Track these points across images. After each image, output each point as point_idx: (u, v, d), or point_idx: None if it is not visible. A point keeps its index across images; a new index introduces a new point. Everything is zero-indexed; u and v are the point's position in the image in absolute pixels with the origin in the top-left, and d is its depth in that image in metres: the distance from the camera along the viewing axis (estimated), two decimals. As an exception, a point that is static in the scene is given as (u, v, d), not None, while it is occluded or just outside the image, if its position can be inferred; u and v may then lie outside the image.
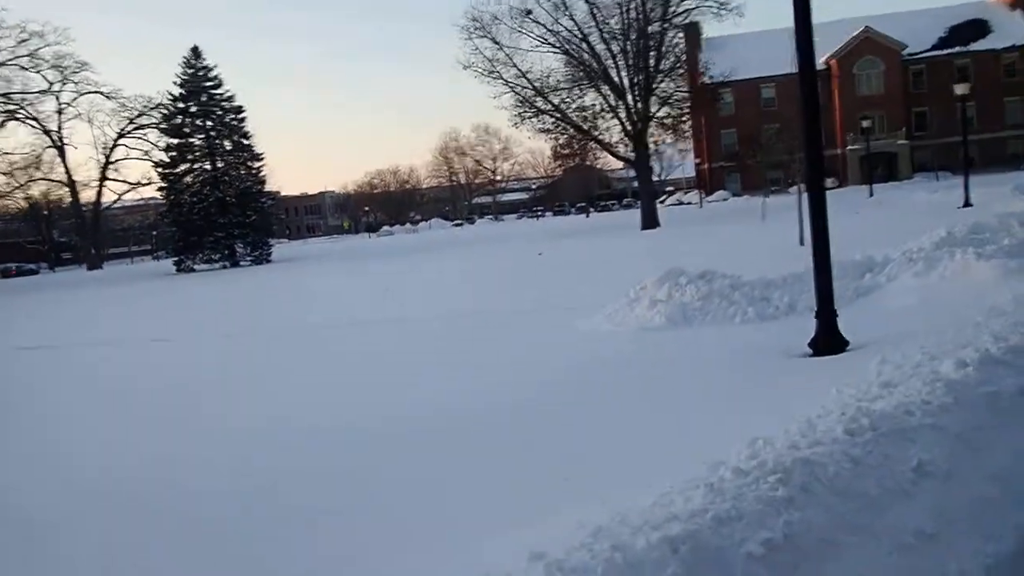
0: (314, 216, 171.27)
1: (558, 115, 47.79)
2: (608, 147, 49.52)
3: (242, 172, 58.91)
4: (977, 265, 8.64)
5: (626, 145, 49.18)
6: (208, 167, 58.01)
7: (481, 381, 8.20)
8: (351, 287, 25.12)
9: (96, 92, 74.76)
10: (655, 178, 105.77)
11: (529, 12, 47.47)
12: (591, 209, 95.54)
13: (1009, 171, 65.94)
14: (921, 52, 78.73)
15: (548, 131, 48.71)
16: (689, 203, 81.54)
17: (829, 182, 76.03)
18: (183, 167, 57.89)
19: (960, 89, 28.45)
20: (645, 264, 19.49)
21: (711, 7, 48.75)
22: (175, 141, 57.70)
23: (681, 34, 49.12)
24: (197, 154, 57.86)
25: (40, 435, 8.23)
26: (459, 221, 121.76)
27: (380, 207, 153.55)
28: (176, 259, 56.58)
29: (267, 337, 14.69)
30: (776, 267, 12.91)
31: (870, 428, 4.16)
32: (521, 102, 47.13)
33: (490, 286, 19.83)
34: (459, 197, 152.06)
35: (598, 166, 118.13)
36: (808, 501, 3.49)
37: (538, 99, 47.56)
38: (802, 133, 7.04)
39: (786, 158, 79.11)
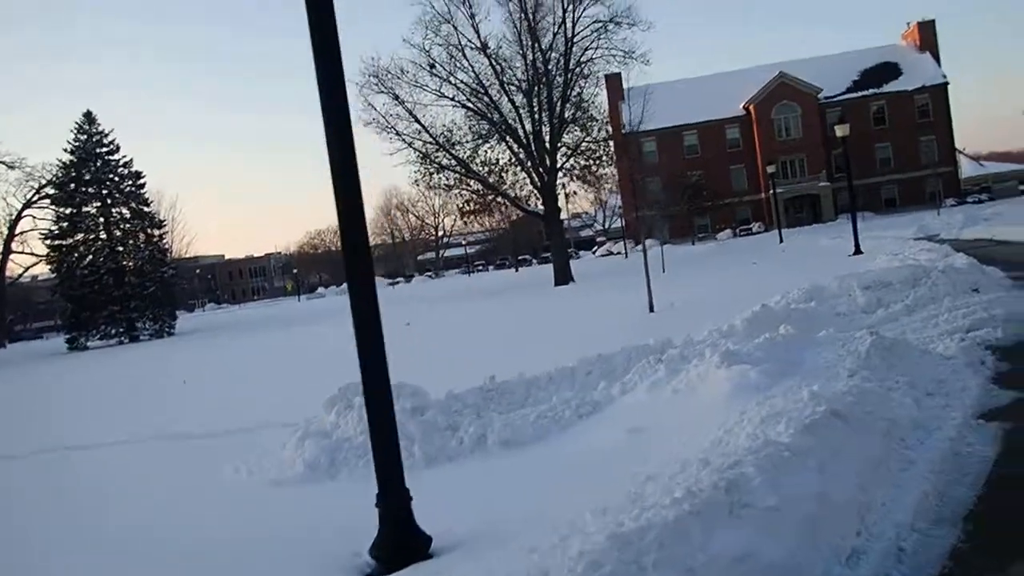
0: (259, 279, 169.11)
1: (462, 170, 46.11)
2: (516, 202, 47.89)
3: (140, 242, 56.12)
4: (716, 375, 6.70)
5: (536, 198, 47.68)
6: (104, 237, 55.14)
7: None
8: (189, 371, 22.70)
9: (-3, 162, 71.45)
10: (600, 227, 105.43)
11: (432, 66, 46.08)
12: (518, 265, 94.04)
13: (928, 209, 66.00)
14: (836, 95, 79.21)
15: (451, 187, 47.00)
16: (618, 253, 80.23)
17: (754, 227, 75.67)
18: (76, 237, 54.88)
19: (840, 131, 27.24)
20: (484, 340, 17.50)
21: (616, 55, 47.79)
22: (66, 211, 54.80)
23: (587, 83, 47.76)
24: (90, 224, 54.95)
25: None
26: (393, 280, 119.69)
27: (323, 268, 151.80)
28: (68, 336, 53.37)
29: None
30: (594, 344, 11.03)
31: None
32: (422, 158, 45.35)
33: (249, 379, 17.32)
34: (403, 254, 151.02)
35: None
36: None
37: (440, 154, 45.87)
38: (336, 205, 4.91)
39: (709, 204, 79.64)
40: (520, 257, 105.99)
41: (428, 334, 21.28)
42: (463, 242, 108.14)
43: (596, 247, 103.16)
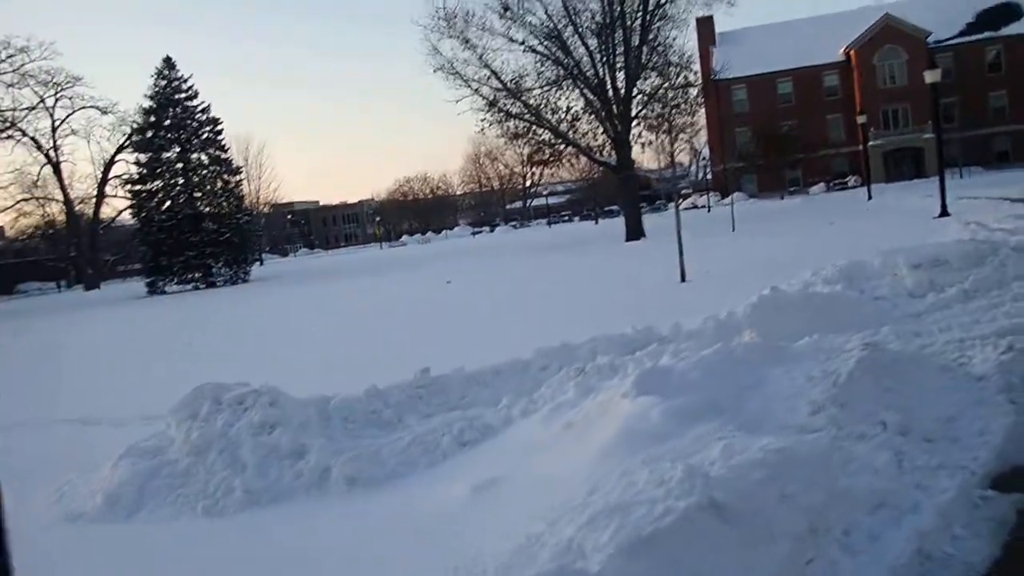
0: (352, 225, 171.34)
1: (531, 118, 44.12)
2: (588, 152, 45.68)
3: (217, 188, 56.37)
4: (618, 407, 4.97)
5: (610, 149, 45.46)
6: (181, 183, 55.56)
7: None
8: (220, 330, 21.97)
9: (91, 107, 73.28)
10: (693, 179, 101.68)
11: (507, 9, 44.02)
12: (598, 217, 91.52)
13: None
14: (948, 39, 73.19)
15: (519, 136, 45.09)
16: (702, 207, 76.89)
17: (850, 180, 71.27)
18: (156, 183, 55.46)
19: (930, 77, 24.08)
20: (506, 305, 16.02)
21: (699, -3, 44.56)
22: (144, 156, 55.38)
23: (667, 26, 44.78)
24: (169, 169, 55.40)
25: None
26: (478, 230, 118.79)
27: (414, 215, 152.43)
28: (148, 280, 54.23)
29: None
30: (596, 321, 9.52)
31: None
32: (489, 105, 43.53)
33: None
34: (492, 203, 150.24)
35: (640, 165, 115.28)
36: None
37: (509, 101, 43.97)
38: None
39: (801, 157, 75.42)
40: (607, 208, 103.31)
41: (456, 296, 19.90)
42: (544, 192, 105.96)
43: (680, 199, 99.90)
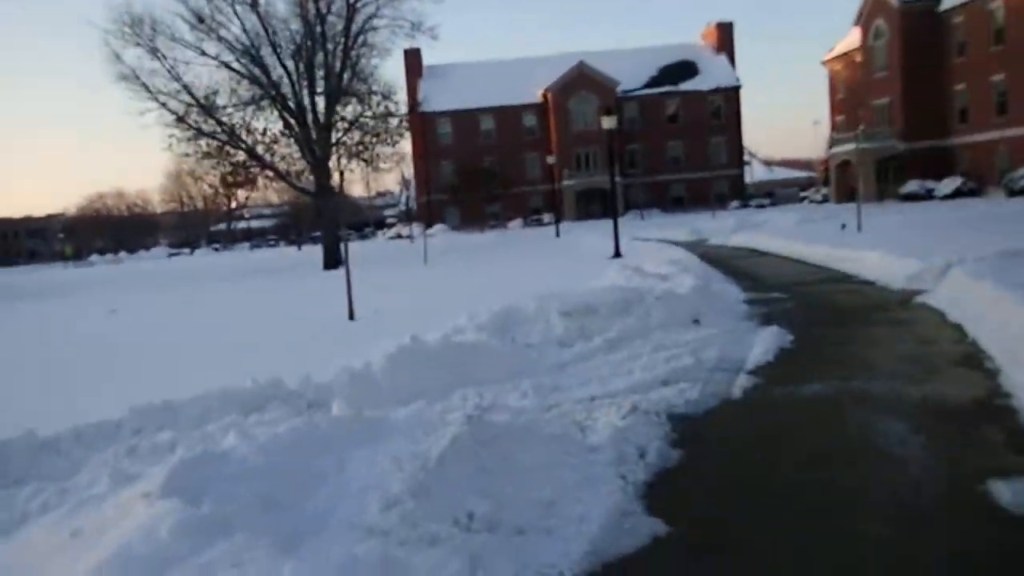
0: (37, 241, 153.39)
1: (225, 138, 41.41)
2: (285, 176, 43.74)
3: None
4: (113, 533, 3.82)
5: (308, 175, 43.84)
6: None
7: None
8: None
9: None
10: (402, 208, 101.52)
11: (201, 20, 41.02)
12: (300, 243, 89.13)
13: (717, 209, 67.54)
14: (634, 89, 79.72)
15: (211, 156, 42.19)
16: (407, 237, 77.18)
17: (545, 217, 74.91)
18: None
19: (607, 123, 25.45)
20: (157, 344, 14.06)
21: (402, 26, 44.26)
22: None
23: (369, 53, 44.14)
24: None
25: None
26: (175, 252, 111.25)
27: (108, 233, 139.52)
28: None
29: None
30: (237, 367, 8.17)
31: None
32: (178, 120, 40.26)
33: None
34: (196, 224, 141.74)
35: (351, 193, 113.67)
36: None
37: (202, 118, 40.95)
38: None
39: (500, 192, 78.26)
40: (314, 234, 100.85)
41: (120, 330, 17.47)
42: (247, 216, 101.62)
43: (387, 228, 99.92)
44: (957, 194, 48.44)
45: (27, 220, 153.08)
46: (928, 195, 49.69)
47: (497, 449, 4.73)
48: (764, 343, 9.59)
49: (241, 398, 7.28)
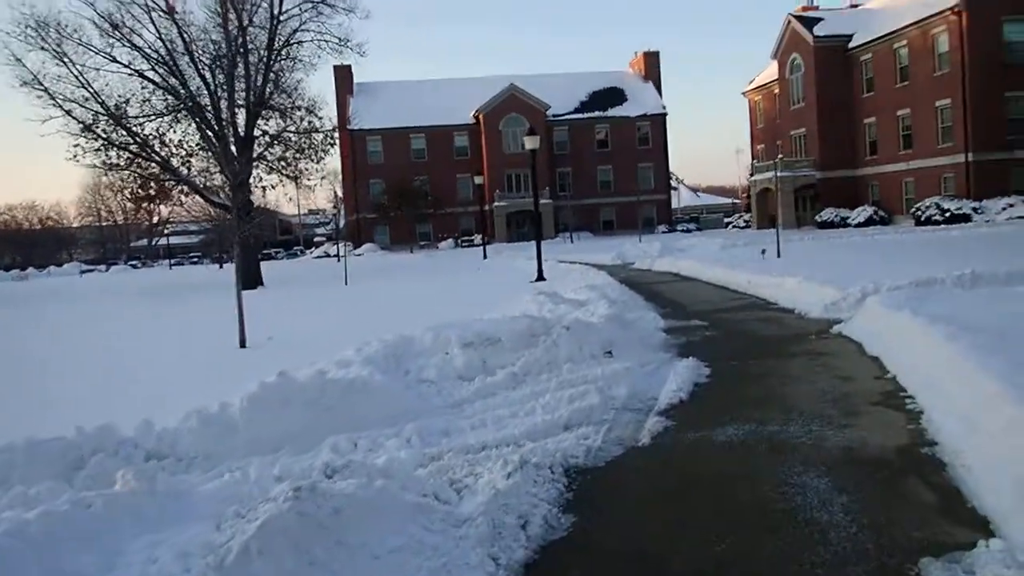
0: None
1: (136, 149, 39.57)
2: (200, 190, 41.95)
3: None
4: None
5: (228, 190, 42.15)
6: None
7: None
8: None
9: None
10: (334, 226, 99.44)
11: (116, 27, 39.20)
12: (222, 262, 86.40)
13: (644, 232, 67.72)
14: (564, 114, 79.78)
15: (119, 167, 40.24)
16: (334, 255, 75.54)
17: (476, 238, 74.14)
18: None
19: (530, 143, 24.83)
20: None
21: (329, 41, 43.14)
22: None
23: (293, 67, 42.89)
24: None
25: None
26: (89, 268, 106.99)
27: (16, 248, 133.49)
28: None
29: None
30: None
31: None
32: (85, 129, 38.29)
33: None
34: (117, 239, 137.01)
35: (282, 209, 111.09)
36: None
37: (111, 128, 39.04)
38: None
39: (431, 212, 77.23)
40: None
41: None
42: (165, 232, 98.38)
43: (314, 248, 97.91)
44: (870, 222, 49.34)
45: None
46: (843, 223, 50.52)
47: (334, 530, 3.82)
48: (679, 378, 8.91)
49: (58, 448, 6.15)
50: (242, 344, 13.23)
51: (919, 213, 45.16)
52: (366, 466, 4.94)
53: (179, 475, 5.97)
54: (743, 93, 70.17)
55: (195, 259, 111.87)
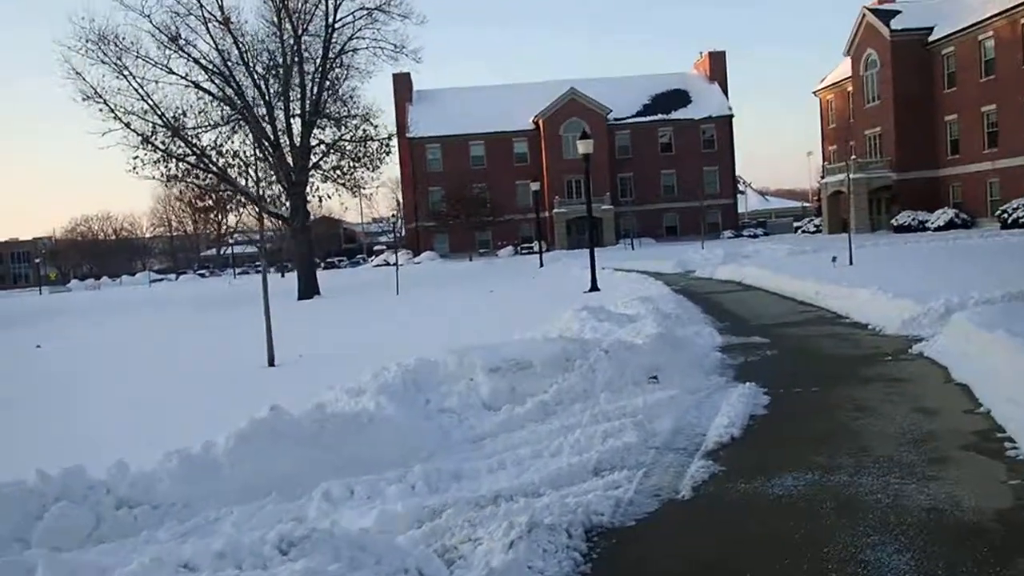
0: (23, 265, 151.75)
1: (194, 160, 39.74)
2: (257, 200, 41.86)
3: None
4: None
5: (284, 200, 42.11)
6: None
7: None
8: None
9: None
10: (396, 235, 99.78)
11: (175, 39, 39.52)
12: (284, 271, 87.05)
13: (709, 238, 65.95)
14: (626, 117, 78.40)
15: (178, 178, 40.46)
16: (392, 264, 75.45)
17: (535, 246, 73.21)
18: None
19: (583, 147, 23.60)
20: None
21: (384, 48, 42.92)
22: None
23: (348, 75, 42.69)
24: None
25: None
26: (158, 278, 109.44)
27: (93, 257, 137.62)
28: None
29: None
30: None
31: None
32: (144, 141, 38.55)
33: None
34: (188, 248, 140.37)
35: (346, 218, 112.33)
36: None
37: (169, 139, 39.28)
38: None
39: (492, 219, 76.51)
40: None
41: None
42: (230, 241, 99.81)
43: (374, 256, 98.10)
44: (950, 225, 46.99)
45: (13, 243, 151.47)
46: (921, 226, 48.20)
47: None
48: (732, 409, 7.83)
49: (12, 499, 5.41)
50: (271, 362, 12.56)
51: (1005, 215, 42.80)
52: (334, 538, 4.06)
53: (136, 533, 5.20)
54: (814, 92, 67.98)
55: (259, 268, 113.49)
